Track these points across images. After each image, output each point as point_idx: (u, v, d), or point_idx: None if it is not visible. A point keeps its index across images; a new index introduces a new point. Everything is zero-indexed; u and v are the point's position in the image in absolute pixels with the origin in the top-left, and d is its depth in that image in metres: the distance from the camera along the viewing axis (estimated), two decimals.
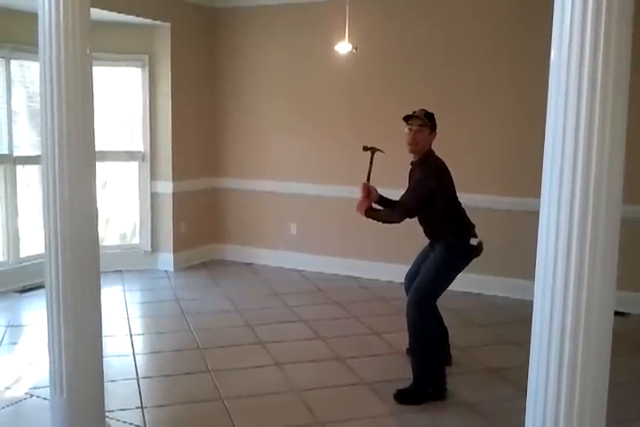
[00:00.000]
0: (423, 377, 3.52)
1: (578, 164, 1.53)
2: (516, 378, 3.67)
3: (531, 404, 1.69)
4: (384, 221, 3.71)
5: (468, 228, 3.64)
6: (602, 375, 1.62)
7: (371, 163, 3.73)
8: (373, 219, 3.66)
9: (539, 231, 1.64)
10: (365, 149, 3.78)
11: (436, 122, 3.59)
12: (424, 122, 3.50)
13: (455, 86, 5.49)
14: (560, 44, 1.61)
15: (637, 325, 4.81)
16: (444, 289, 3.61)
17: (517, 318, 4.77)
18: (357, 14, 4.78)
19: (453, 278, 3.61)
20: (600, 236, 1.53)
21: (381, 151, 3.76)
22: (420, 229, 3.78)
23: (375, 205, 3.70)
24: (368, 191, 3.67)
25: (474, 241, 3.58)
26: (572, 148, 1.54)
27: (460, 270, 3.62)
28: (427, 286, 3.54)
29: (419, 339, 3.55)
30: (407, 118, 3.55)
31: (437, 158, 3.60)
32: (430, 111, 3.58)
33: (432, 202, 3.51)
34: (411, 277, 3.87)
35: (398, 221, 3.62)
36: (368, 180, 3.73)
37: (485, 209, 4.94)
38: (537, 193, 1.79)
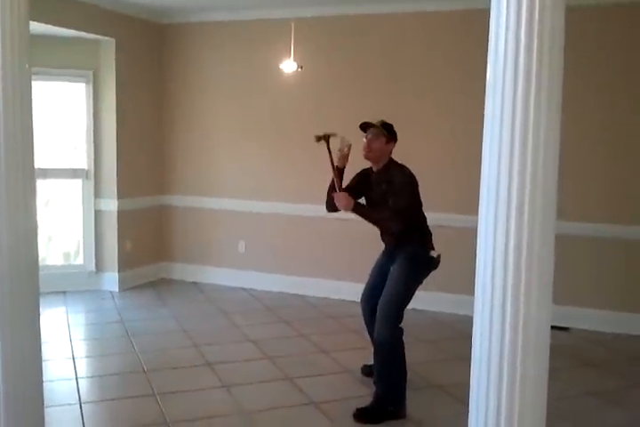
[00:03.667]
0: (386, 397, 3.51)
1: (513, 182, 1.57)
2: (461, 394, 3.69)
3: (473, 418, 1.70)
4: (378, 219, 3.55)
5: (428, 239, 3.67)
6: (540, 388, 1.65)
7: (330, 152, 3.63)
8: (361, 214, 3.52)
9: (477, 248, 1.67)
10: (319, 139, 3.66)
11: (395, 133, 3.63)
12: (379, 130, 3.57)
13: (400, 104, 5.58)
14: (495, 65, 1.66)
15: (579, 339, 4.93)
16: (408, 304, 3.59)
17: (462, 333, 4.82)
18: (303, 33, 4.84)
19: (415, 292, 3.60)
20: (535, 252, 1.57)
21: (335, 135, 3.68)
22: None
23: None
24: (340, 180, 3.61)
25: (434, 253, 3.61)
26: (507, 166, 1.58)
27: (421, 283, 3.62)
28: (395, 303, 3.51)
29: (387, 358, 3.53)
30: (364, 127, 3.63)
31: (403, 165, 3.64)
32: (389, 123, 3.65)
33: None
34: (368, 293, 3.84)
35: (393, 226, 3.50)
36: (335, 169, 3.63)
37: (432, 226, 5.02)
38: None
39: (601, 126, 5.04)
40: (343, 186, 3.68)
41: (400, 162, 3.66)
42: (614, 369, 4.33)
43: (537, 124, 1.60)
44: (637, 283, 5.01)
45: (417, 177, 3.60)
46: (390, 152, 3.64)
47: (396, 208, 3.46)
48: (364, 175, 3.80)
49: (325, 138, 3.67)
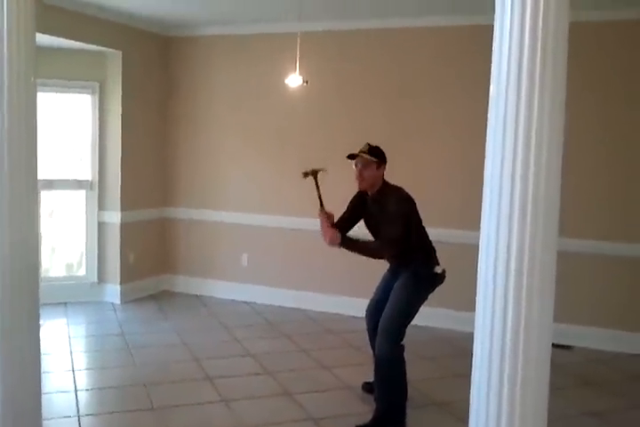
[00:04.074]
0: (386, 415, 3.49)
1: (515, 198, 1.58)
2: (461, 412, 3.66)
3: None
4: (367, 253, 3.55)
5: (433, 256, 3.66)
6: (541, 407, 1.64)
7: (317, 187, 3.63)
8: (350, 249, 3.51)
9: (478, 264, 1.67)
10: (306, 175, 3.66)
11: (384, 154, 3.59)
12: (366, 159, 3.53)
13: (407, 119, 5.61)
14: (499, 78, 1.68)
15: (581, 358, 4.90)
16: (411, 321, 3.56)
17: (462, 350, 4.78)
18: (309, 47, 4.86)
19: (419, 309, 3.58)
20: (536, 270, 1.57)
21: (323, 170, 3.68)
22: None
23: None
24: (327, 217, 3.59)
25: (438, 269, 3.60)
26: (510, 181, 1.59)
27: (425, 300, 3.60)
28: (397, 319, 3.50)
29: (387, 374, 3.51)
30: (351, 157, 3.59)
31: (399, 187, 3.62)
32: (375, 145, 3.61)
33: (407, 229, 3.49)
34: (373, 307, 3.82)
35: (387, 253, 3.50)
36: (322, 205, 3.63)
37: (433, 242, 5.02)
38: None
39: (602, 138, 5.04)
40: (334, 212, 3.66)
41: (393, 184, 3.62)
42: (615, 389, 4.30)
43: (540, 133, 1.61)
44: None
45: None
46: (382, 175, 3.60)
47: (387, 238, 3.47)
48: (359, 199, 3.78)
49: (313, 173, 3.67)
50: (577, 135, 4.81)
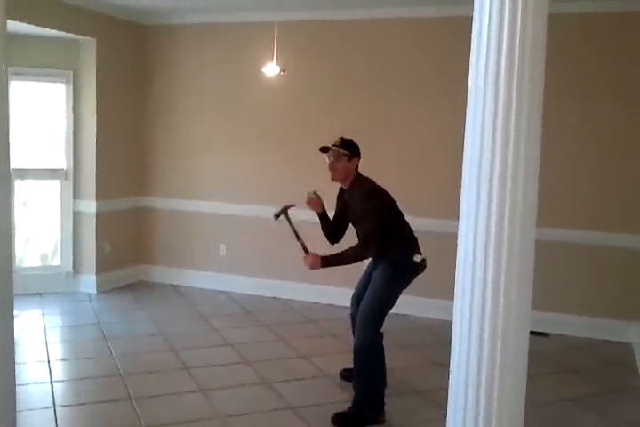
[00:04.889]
0: (365, 403, 3.49)
1: (493, 189, 1.57)
2: (441, 399, 3.68)
3: (450, 424, 1.69)
4: (352, 259, 3.56)
5: (412, 245, 3.67)
6: (519, 394, 1.65)
7: (290, 222, 3.77)
8: (335, 264, 3.56)
9: (457, 252, 1.66)
10: (277, 216, 3.82)
11: (357, 147, 3.63)
12: (337, 152, 3.57)
13: (385, 109, 5.59)
14: (477, 70, 1.66)
15: (558, 345, 4.96)
16: (390, 309, 3.58)
17: (443, 339, 4.82)
18: (286, 37, 4.82)
19: (398, 297, 3.60)
20: (515, 258, 1.57)
21: (292, 206, 3.84)
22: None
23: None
24: (304, 246, 3.68)
25: (417, 258, 3.60)
26: (488, 171, 1.58)
27: (404, 288, 3.62)
28: (375, 307, 3.51)
29: (365, 363, 3.52)
30: (323, 150, 3.64)
31: (369, 180, 3.65)
32: (348, 138, 3.65)
33: (381, 221, 3.51)
34: (357, 299, 3.83)
35: (368, 251, 3.53)
36: (298, 237, 3.73)
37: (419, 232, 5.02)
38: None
39: (593, 131, 5.06)
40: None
41: (365, 176, 3.67)
42: (593, 375, 4.35)
43: (518, 125, 1.60)
44: (616, 289, 5.05)
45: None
46: (356, 168, 3.65)
47: (363, 234, 3.52)
48: (341, 196, 3.85)
49: (283, 212, 3.81)
50: (566, 128, 4.85)
